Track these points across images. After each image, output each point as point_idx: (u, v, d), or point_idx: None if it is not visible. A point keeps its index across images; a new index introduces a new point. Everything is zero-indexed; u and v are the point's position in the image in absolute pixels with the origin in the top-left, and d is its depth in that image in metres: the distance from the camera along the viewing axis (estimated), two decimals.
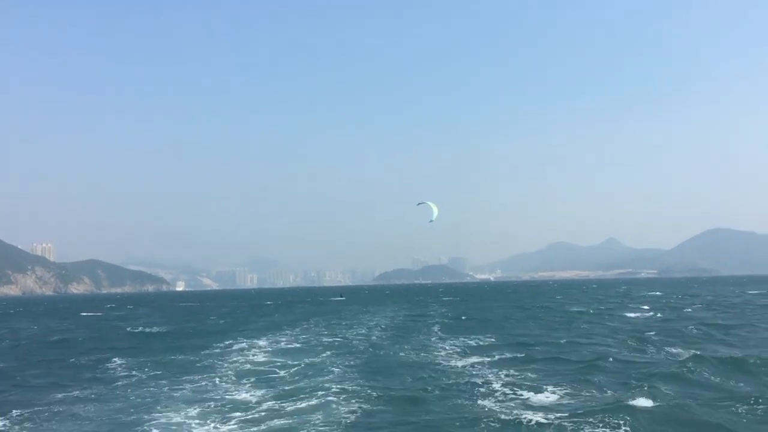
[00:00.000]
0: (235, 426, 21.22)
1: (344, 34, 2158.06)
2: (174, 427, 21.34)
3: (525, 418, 20.04)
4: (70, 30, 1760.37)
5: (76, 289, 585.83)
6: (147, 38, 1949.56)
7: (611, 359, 32.54)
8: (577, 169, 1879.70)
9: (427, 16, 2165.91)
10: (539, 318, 66.33)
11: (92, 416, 23.70)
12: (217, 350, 43.03)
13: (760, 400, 21.55)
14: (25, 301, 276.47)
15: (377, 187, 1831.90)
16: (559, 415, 20.55)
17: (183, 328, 69.51)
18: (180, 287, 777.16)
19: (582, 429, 18.79)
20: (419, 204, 64.92)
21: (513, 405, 22.67)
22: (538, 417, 20.18)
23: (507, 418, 20.32)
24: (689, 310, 72.68)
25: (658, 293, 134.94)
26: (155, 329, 68.66)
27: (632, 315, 66.90)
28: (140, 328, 70.04)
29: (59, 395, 27.86)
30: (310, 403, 24.11)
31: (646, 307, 79.25)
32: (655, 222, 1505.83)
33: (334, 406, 23.37)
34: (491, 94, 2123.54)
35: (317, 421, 21.18)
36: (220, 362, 36.82)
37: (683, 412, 20.31)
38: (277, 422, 21.46)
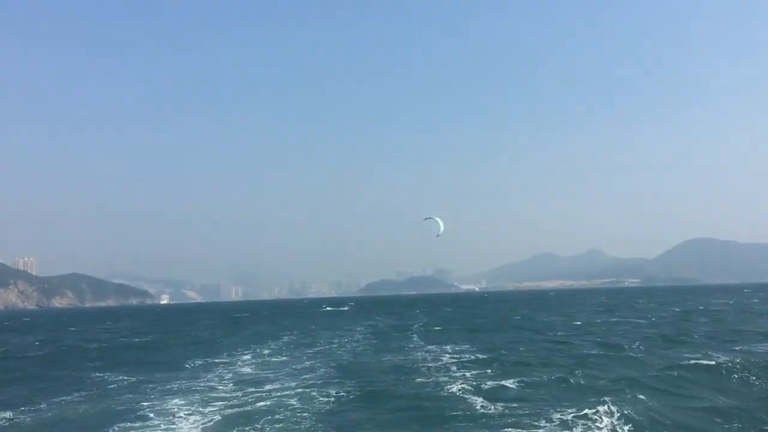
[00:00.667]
0: (217, 409, 24.90)
1: (339, 39, 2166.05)
2: (162, 413, 24.51)
3: (482, 410, 22.83)
4: (59, 40, 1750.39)
5: (59, 303, 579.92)
6: (139, 48, 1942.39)
7: (582, 362, 33.98)
8: (560, 180, 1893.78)
9: (413, 22, 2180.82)
10: (518, 327, 67.83)
11: (88, 409, 26.41)
12: (202, 360, 44.38)
13: (733, 406, 22.60)
14: (8, 315, 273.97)
15: (362, 200, 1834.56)
16: (513, 407, 23.06)
17: (169, 339, 70.58)
18: (164, 300, 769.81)
19: (537, 421, 20.91)
20: (426, 219, 66.81)
21: (473, 398, 25.23)
22: (491, 409, 22.98)
23: (466, 409, 23.21)
24: (666, 315, 74.96)
25: (641, 301, 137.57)
26: (141, 340, 70.14)
27: (613, 320, 69.71)
28: (124, 339, 71.41)
29: (56, 399, 29.77)
30: (289, 392, 27.50)
31: (625, 314, 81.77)
32: (638, 232, 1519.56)
33: (313, 394, 26.99)
34: (476, 106, 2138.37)
35: (294, 406, 24.62)
36: (206, 367, 39.27)
37: (643, 415, 20.89)
38: (256, 405, 25.10)
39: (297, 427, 21.70)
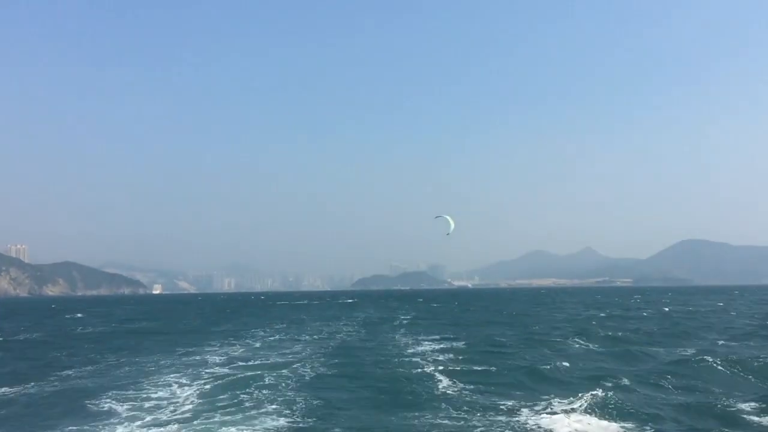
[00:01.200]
0: (211, 379, 28.03)
1: (336, 37, 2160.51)
2: (159, 384, 27.34)
3: (444, 389, 25.37)
4: (59, 33, 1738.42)
5: (51, 291, 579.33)
6: (135, 42, 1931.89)
7: (560, 354, 35.19)
8: (555, 178, 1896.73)
9: (409, 19, 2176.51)
10: (504, 322, 68.40)
11: (87, 383, 28.70)
12: (195, 345, 45.71)
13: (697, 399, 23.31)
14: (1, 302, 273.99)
15: (356, 194, 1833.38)
16: (472, 389, 25.23)
17: (161, 327, 71.76)
18: (157, 290, 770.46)
19: (499, 401, 22.83)
20: (437, 217, 68.29)
21: (440, 377, 27.82)
22: (452, 390, 25.08)
23: (431, 387, 25.82)
24: (654, 312, 76.40)
25: (631, 300, 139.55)
26: (134, 326, 72.25)
27: (602, 315, 72.74)
28: (116, 325, 73.27)
29: (57, 374, 31.73)
30: (277, 368, 30.65)
31: (613, 312, 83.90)
32: (632, 232, 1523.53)
33: (297, 365, 31.09)
34: (472, 102, 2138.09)
35: (282, 373, 28.40)
36: (198, 351, 41.27)
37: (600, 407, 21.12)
38: (246, 374, 28.50)
39: (282, 392, 24.86)
